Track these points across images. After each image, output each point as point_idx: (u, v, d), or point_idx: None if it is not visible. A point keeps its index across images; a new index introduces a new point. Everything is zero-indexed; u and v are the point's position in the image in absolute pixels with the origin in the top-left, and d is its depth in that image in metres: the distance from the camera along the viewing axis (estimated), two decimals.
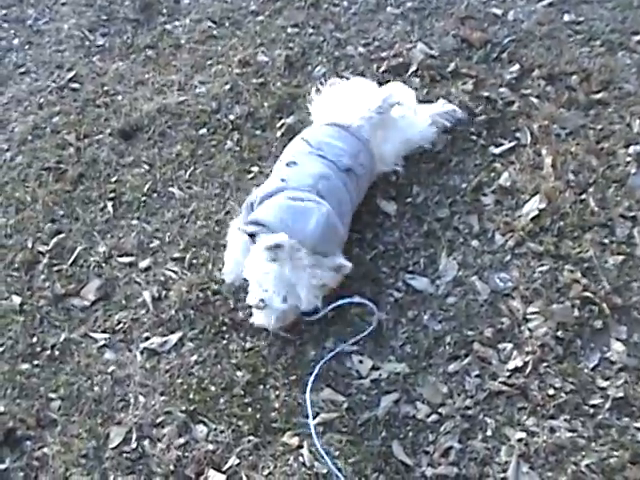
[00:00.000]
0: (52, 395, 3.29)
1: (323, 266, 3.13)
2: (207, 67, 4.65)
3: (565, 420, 2.85)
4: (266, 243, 3.04)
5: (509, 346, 3.07)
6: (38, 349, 3.46)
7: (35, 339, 3.49)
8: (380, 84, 3.93)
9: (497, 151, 3.76)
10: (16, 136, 4.55)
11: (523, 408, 2.91)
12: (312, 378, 3.04)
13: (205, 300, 3.46)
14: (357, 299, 3.28)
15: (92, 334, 3.46)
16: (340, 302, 3.26)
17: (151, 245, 3.76)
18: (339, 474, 2.79)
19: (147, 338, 3.39)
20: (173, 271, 3.60)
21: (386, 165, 3.68)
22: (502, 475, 2.75)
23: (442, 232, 3.49)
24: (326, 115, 3.67)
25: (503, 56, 4.23)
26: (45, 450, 3.12)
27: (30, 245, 3.87)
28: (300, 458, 2.91)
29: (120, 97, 4.60)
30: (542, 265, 3.29)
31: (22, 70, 5.02)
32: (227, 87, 4.43)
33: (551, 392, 2.92)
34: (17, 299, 3.65)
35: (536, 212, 3.45)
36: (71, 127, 4.49)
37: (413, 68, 4.24)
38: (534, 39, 4.32)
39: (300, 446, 2.94)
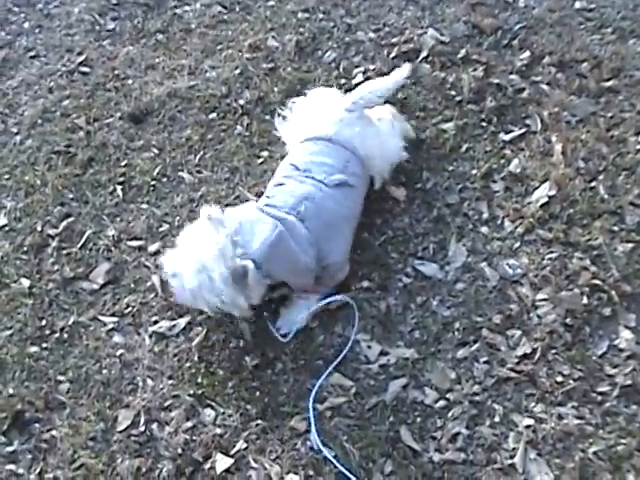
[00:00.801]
0: (61, 378, 3.30)
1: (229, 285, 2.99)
2: (217, 52, 4.64)
3: (573, 407, 2.85)
4: (209, 212, 3.00)
5: (518, 333, 3.08)
6: (47, 332, 3.47)
7: (44, 322, 3.50)
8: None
9: (507, 138, 3.75)
10: (26, 120, 4.55)
11: (531, 395, 2.91)
12: (315, 389, 3.03)
13: None
14: (338, 297, 3.26)
15: (101, 317, 3.47)
16: (314, 307, 3.24)
17: (160, 229, 3.76)
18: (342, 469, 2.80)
19: (156, 322, 3.40)
20: None
21: (375, 170, 3.54)
22: (509, 461, 2.76)
23: (451, 218, 3.49)
24: (300, 133, 3.56)
25: (514, 43, 4.21)
26: (53, 433, 3.14)
27: (39, 228, 3.88)
28: (308, 442, 2.93)
29: (130, 81, 4.60)
30: (551, 252, 3.29)
31: (32, 54, 5.01)
32: (237, 72, 4.42)
33: (559, 379, 2.92)
34: (26, 282, 3.66)
35: (546, 199, 3.44)
36: (81, 111, 4.49)
37: (424, 54, 4.22)
38: (545, 26, 4.30)
39: (308, 431, 2.95)
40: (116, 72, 4.69)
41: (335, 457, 2.85)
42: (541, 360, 2.98)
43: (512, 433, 2.83)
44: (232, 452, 2.96)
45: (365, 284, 3.34)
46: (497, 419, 2.87)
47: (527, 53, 4.12)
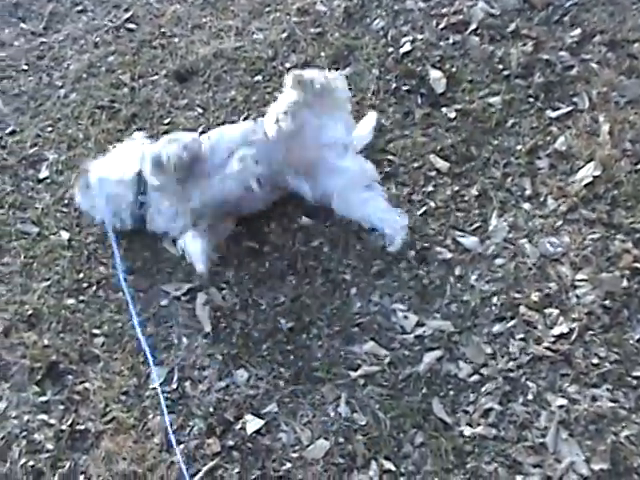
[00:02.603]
0: (96, 331, 3.34)
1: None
2: (265, 14, 4.61)
3: (607, 390, 2.84)
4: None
5: (555, 312, 3.06)
6: (84, 285, 3.50)
7: (81, 275, 3.53)
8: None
9: (554, 115, 3.71)
10: (71, 74, 4.56)
11: (566, 375, 2.90)
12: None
13: (251, 248, 3.49)
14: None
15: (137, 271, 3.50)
16: None
17: None
18: None
19: (191, 281, 3.42)
20: None
21: None
22: (541, 440, 2.76)
23: (494, 193, 3.46)
24: None
25: (565, 19, 4.15)
26: (86, 385, 3.19)
27: None
28: (339, 409, 2.94)
29: (176, 40, 4.58)
30: (593, 233, 3.26)
31: (79, 8, 5.01)
32: (284, 35, 4.40)
33: (595, 361, 2.91)
34: (65, 234, 3.69)
35: (590, 179, 3.41)
36: (126, 67, 4.49)
37: (473, 26, 4.18)
38: (597, 4, 4.23)
39: (339, 397, 2.96)
40: (162, 30, 4.68)
41: (366, 425, 2.87)
42: (578, 341, 2.96)
43: (545, 412, 2.83)
44: (263, 414, 2.98)
45: (406, 254, 3.33)
46: (530, 397, 2.87)
47: (578, 30, 4.06)
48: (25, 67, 4.68)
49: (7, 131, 4.28)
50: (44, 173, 4.00)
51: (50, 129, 4.23)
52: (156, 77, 4.40)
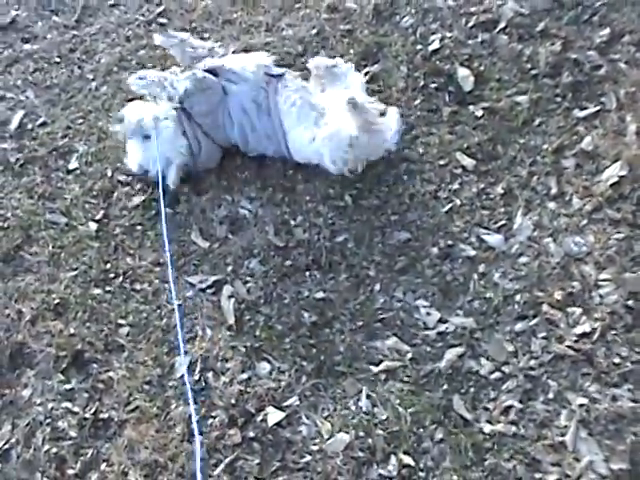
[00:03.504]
0: (121, 321, 3.37)
1: None
2: (295, 10, 4.62)
3: (628, 390, 2.84)
4: None
5: (578, 311, 3.06)
6: (111, 275, 3.54)
7: (108, 265, 3.57)
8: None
9: (581, 114, 3.70)
10: (102, 67, 4.59)
11: (587, 374, 2.91)
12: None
13: (276, 243, 3.51)
14: None
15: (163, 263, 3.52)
16: None
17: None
18: None
19: (216, 273, 3.45)
20: (247, 209, 3.64)
21: None
22: (560, 439, 2.77)
23: (520, 191, 3.47)
24: None
25: (594, 19, 4.14)
26: (110, 374, 3.22)
27: (109, 174, 3.93)
28: (360, 403, 2.96)
29: (207, 34, 4.60)
30: (618, 232, 3.25)
31: (112, 2, 5.02)
32: (314, 31, 4.41)
33: (617, 360, 2.91)
34: (93, 225, 3.72)
35: (616, 179, 3.40)
36: (157, 61, 4.50)
37: (502, 25, 4.17)
38: (626, 4, 4.20)
39: (360, 391, 2.99)
40: (194, 25, 4.70)
41: (386, 419, 2.89)
42: (600, 340, 2.97)
43: (565, 411, 2.83)
44: (284, 406, 3.01)
45: (429, 250, 3.34)
46: (551, 395, 2.88)
47: (607, 30, 4.05)
48: (57, 60, 4.72)
49: (38, 122, 4.32)
50: (74, 164, 4.03)
51: (81, 121, 4.27)
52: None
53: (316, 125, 3.49)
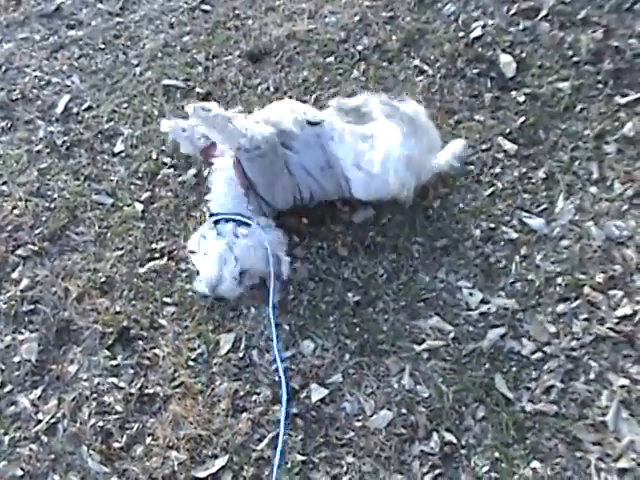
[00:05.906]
0: (167, 300, 3.42)
1: None
2: None
3: None
4: None
5: (619, 293, 3.07)
6: (156, 255, 3.59)
7: (154, 245, 3.62)
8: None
9: (623, 101, 3.71)
10: (146, 52, 4.66)
11: (628, 356, 2.92)
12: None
13: (321, 225, 3.56)
14: None
15: None
16: None
17: None
18: None
19: None
20: None
21: None
22: (601, 419, 2.78)
23: (561, 176, 3.48)
24: None
25: (636, 7, 4.12)
26: (156, 351, 3.27)
27: (154, 156, 4.01)
28: (402, 381, 2.99)
29: (250, 21, 4.66)
30: None
31: None
32: (356, 18, 4.45)
33: None
34: (139, 206, 3.79)
35: None
36: (200, 47, 4.58)
37: (543, 13, 4.18)
38: None
39: (403, 370, 3.02)
40: (236, 12, 4.76)
41: (428, 397, 2.93)
42: None
43: (606, 391, 2.84)
44: (328, 383, 3.05)
45: (471, 232, 3.38)
46: (592, 376, 2.89)
47: None
48: (102, 46, 4.80)
49: (84, 107, 4.40)
50: (119, 147, 4.11)
51: (125, 105, 4.34)
52: (230, 57, 4.48)
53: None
